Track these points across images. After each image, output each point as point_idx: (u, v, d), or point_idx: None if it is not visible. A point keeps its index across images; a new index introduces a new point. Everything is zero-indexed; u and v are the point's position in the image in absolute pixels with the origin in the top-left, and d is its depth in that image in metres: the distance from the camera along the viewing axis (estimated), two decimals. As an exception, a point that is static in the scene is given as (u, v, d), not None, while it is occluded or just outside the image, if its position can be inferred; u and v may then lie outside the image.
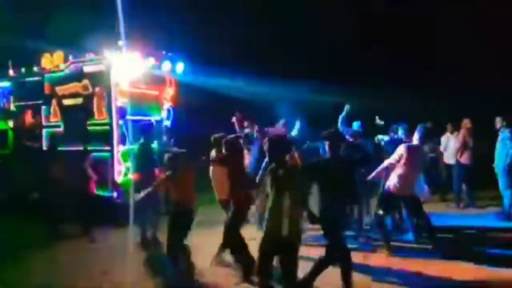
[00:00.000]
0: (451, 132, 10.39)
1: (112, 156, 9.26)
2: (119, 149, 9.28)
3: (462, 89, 12.61)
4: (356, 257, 5.69)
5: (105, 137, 9.33)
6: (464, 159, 9.82)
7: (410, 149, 6.50)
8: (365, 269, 5.86)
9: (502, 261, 6.10)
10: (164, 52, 10.21)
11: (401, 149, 6.49)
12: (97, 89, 9.46)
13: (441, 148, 10.54)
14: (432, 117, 11.06)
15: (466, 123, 9.93)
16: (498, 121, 8.71)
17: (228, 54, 13.36)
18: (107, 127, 9.33)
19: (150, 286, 5.80)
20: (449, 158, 10.30)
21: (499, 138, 8.65)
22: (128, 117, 9.47)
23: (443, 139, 10.52)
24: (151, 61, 9.74)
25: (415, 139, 6.71)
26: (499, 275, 5.66)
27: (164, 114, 10.56)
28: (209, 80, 11.22)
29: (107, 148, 9.30)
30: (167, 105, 10.62)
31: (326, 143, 5.25)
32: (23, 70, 10.63)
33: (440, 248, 6.47)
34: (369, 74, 13.73)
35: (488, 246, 6.91)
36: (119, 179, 9.24)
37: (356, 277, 5.19)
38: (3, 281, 6.02)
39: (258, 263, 4.53)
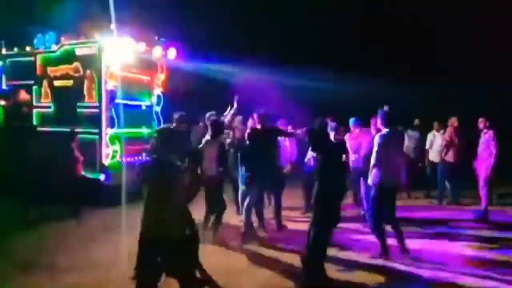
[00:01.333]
0: (438, 130, 10.46)
1: (100, 138, 9.36)
2: (107, 132, 9.37)
3: (454, 87, 12.62)
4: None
5: (94, 120, 9.42)
6: (449, 157, 9.91)
7: (381, 138, 6.18)
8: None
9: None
10: (156, 38, 10.26)
11: (375, 140, 6.27)
12: (87, 71, 9.52)
13: (427, 145, 10.63)
14: (420, 114, 11.21)
15: (454, 121, 10.01)
16: (481, 121, 8.81)
17: (222, 39, 13.36)
18: (96, 110, 9.42)
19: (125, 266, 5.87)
20: (434, 155, 10.40)
21: (482, 139, 8.74)
22: (117, 100, 9.54)
23: (429, 136, 10.59)
24: (143, 46, 9.77)
25: (380, 125, 6.39)
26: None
27: (154, 99, 10.63)
28: (201, 66, 11.28)
29: (96, 130, 9.39)
30: (158, 90, 10.70)
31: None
32: (15, 49, 10.64)
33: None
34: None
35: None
36: (106, 161, 9.34)
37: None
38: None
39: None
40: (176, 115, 6.66)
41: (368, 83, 12.02)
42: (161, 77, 10.68)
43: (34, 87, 10.30)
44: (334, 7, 14.65)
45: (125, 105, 9.77)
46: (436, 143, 10.40)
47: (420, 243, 6.72)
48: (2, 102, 10.91)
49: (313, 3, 14.88)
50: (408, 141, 10.72)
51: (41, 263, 5.95)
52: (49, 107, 10.11)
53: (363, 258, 6.11)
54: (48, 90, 10.13)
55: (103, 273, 5.59)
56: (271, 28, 14.45)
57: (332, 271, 5.50)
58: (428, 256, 6.22)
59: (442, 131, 10.31)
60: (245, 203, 6.92)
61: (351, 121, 8.37)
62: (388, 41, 14.87)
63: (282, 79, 11.92)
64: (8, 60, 10.80)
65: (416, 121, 11.01)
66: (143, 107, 10.44)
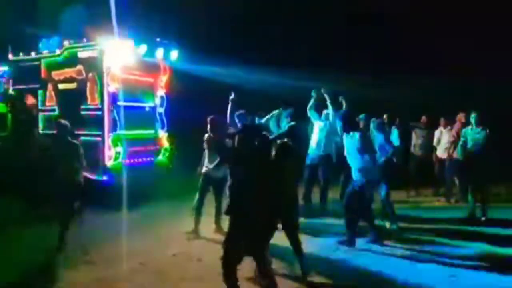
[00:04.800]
0: (444, 127, 10.29)
1: (103, 140, 9.43)
2: (110, 134, 9.43)
3: (462, 82, 12.34)
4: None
5: (97, 122, 9.49)
6: (457, 153, 9.72)
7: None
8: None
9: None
10: (158, 39, 10.30)
11: None
12: (90, 74, 9.60)
13: (434, 142, 10.46)
14: (427, 110, 11.02)
15: (461, 117, 9.83)
16: (462, 117, 8.91)
17: (224, 41, 13.35)
18: (99, 112, 9.49)
19: (124, 267, 5.91)
20: (441, 152, 10.22)
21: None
22: (120, 103, 9.60)
23: (437, 133, 10.43)
24: (145, 48, 9.80)
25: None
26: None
27: (157, 101, 10.67)
28: (203, 68, 11.28)
29: (99, 132, 9.46)
30: (161, 92, 10.73)
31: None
32: (21, 54, 10.81)
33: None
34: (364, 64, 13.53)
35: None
36: (109, 163, 9.40)
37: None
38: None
39: None
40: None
41: (369, 83, 11.87)
42: (164, 78, 10.71)
43: (40, 91, 10.45)
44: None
45: (128, 107, 9.82)
46: (443, 140, 10.23)
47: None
48: (10, 107, 11.08)
49: (313, 4, 14.75)
50: (416, 139, 10.62)
51: (38, 261, 6.04)
52: (54, 110, 10.23)
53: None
54: (52, 93, 10.26)
55: (99, 271, 5.63)
56: (275, 29, 14.38)
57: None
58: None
59: (449, 127, 10.13)
60: None
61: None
62: (386, 37, 14.55)
63: (286, 80, 11.85)
64: (14, 65, 10.98)
65: (423, 118, 10.84)
66: (147, 109, 10.47)
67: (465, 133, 8.51)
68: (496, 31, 13.56)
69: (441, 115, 10.44)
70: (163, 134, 10.64)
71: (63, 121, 7.09)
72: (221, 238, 6.78)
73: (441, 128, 10.39)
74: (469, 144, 8.36)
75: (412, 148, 10.79)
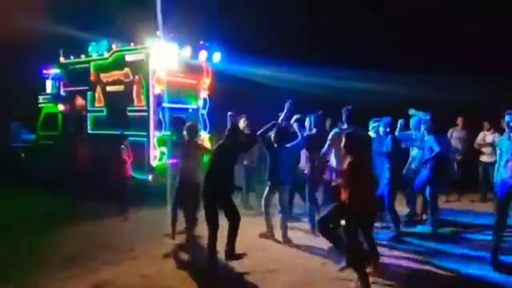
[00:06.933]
0: (488, 130, 9.96)
1: (148, 141, 9.72)
2: (155, 135, 9.71)
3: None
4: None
5: (143, 123, 9.80)
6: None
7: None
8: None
9: None
10: (201, 42, 10.50)
11: None
12: (136, 77, 9.93)
13: (475, 144, 10.13)
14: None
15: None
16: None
17: (266, 43, 13.40)
18: (145, 113, 9.79)
19: (172, 265, 6.06)
20: (486, 156, 9.90)
21: None
22: (164, 104, 9.87)
23: (480, 136, 10.09)
24: (188, 50, 10.04)
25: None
26: None
27: (200, 102, 10.89)
28: (246, 69, 11.42)
29: (144, 133, 9.76)
30: (203, 94, 10.95)
31: None
32: (72, 57, 11.29)
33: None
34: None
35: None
36: (154, 163, 9.68)
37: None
38: (36, 250, 6.59)
39: None
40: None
41: (406, 82, 11.55)
42: (207, 80, 10.92)
43: (89, 93, 10.88)
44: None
45: (172, 109, 10.08)
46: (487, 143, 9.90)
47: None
48: (61, 108, 11.59)
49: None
50: (454, 142, 10.29)
51: (84, 256, 6.27)
52: (102, 111, 10.64)
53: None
54: (101, 95, 10.67)
55: (141, 268, 5.83)
56: (316, 30, 14.28)
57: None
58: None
59: (492, 130, 9.81)
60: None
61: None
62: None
63: (328, 81, 11.80)
64: (65, 68, 11.49)
65: (459, 120, 10.51)
66: (190, 110, 10.71)
67: (500, 144, 6.01)
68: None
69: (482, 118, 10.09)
70: (205, 135, 10.85)
71: None
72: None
73: (485, 132, 10.06)
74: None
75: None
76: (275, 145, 6.81)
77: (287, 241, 6.78)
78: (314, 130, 7.32)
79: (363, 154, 5.09)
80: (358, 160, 4.93)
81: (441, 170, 7.37)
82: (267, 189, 7.00)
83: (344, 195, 4.89)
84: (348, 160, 4.99)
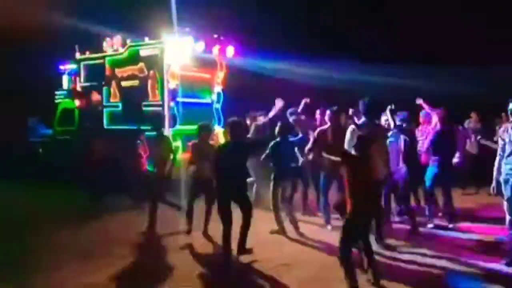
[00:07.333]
0: (507, 121, 9.74)
1: (163, 135, 9.75)
2: (170, 129, 9.76)
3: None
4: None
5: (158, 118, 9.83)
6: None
7: None
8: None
9: None
10: (215, 36, 10.50)
11: None
12: (151, 72, 10.00)
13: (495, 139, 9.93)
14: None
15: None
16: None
17: (280, 37, 13.35)
18: (160, 108, 9.84)
19: (187, 259, 6.10)
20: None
21: None
22: (179, 99, 9.91)
23: (501, 130, 9.87)
24: (202, 45, 10.04)
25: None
26: None
27: (214, 97, 10.91)
28: (260, 63, 11.39)
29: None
30: (217, 88, 10.96)
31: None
32: (87, 53, 11.39)
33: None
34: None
35: None
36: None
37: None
38: (50, 245, 6.69)
39: None
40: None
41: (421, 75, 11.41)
42: (221, 75, 10.93)
43: (104, 88, 10.98)
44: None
45: (187, 103, 10.12)
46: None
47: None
48: (77, 103, 11.72)
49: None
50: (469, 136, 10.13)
51: (98, 251, 6.35)
52: (117, 106, 10.73)
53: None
54: (116, 90, 10.76)
55: (156, 261, 5.89)
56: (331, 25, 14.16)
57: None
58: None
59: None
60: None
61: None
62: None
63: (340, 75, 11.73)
64: (81, 63, 11.60)
65: (472, 114, 10.34)
66: (204, 105, 10.74)
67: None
68: None
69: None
70: (219, 130, 10.87)
71: None
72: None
73: (506, 124, 9.84)
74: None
75: (467, 146, 10.29)
76: (278, 138, 6.79)
77: (299, 234, 6.78)
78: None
79: (369, 160, 4.90)
80: (361, 166, 4.79)
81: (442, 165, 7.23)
82: (271, 184, 6.96)
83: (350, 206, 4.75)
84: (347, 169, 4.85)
